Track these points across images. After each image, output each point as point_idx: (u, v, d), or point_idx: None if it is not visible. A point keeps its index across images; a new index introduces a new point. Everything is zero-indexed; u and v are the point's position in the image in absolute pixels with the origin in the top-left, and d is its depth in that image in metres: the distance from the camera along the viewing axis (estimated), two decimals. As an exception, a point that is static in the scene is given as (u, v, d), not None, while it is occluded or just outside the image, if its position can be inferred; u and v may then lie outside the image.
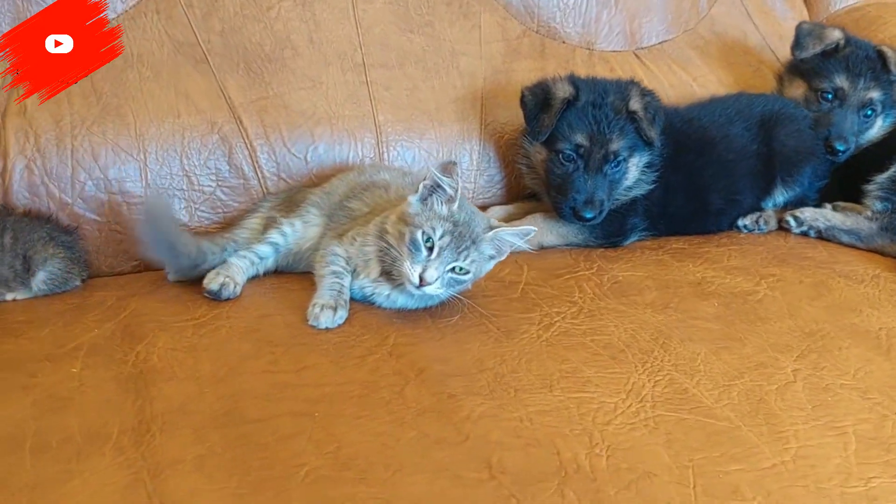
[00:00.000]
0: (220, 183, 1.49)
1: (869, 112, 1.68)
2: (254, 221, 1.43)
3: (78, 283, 1.32)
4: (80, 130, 1.41)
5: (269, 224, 1.40)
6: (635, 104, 1.51)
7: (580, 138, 1.49)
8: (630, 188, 1.55)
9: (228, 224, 1.48)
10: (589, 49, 1.81)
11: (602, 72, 1.74)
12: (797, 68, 1.74)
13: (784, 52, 1.89)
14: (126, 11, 1.50)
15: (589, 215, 1.47)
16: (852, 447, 0.94)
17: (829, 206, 1.63)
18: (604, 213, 1.50)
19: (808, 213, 1.59)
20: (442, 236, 1.14)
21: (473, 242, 1.16)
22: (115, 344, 1.09)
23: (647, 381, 1.04)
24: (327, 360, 1.06)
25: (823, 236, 1.57)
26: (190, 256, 1.29)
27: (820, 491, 0.88)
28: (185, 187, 1.47)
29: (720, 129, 1.65)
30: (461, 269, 1.16)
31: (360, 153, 1.55)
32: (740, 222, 1.63)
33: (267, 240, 1.34)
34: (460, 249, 1.15)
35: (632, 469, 0.88)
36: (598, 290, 1.29)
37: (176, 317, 1.17)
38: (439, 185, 1.15)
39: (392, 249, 1.18)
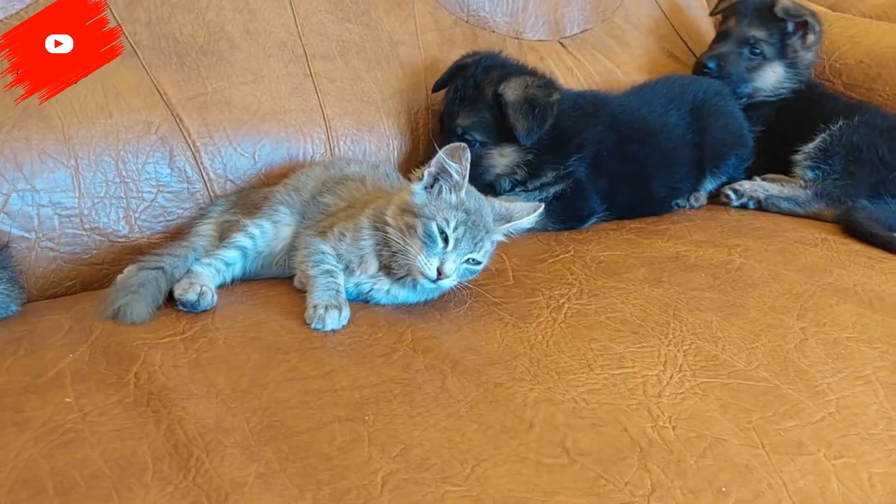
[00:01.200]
0: (161, 188, 1.35)
1: (756, 51, 1.75)
2: (207, 227, 1.30)
3: (16, 308, 1.15)
4: (-1, 136, 1.24)
5: (226, 228, 1.28)
6: (506, 89, 1.46)
7: (443, 107, 1.54)
8: (504, 178, 1.51)
9: (174, 234, 1.35)
10: (518, 38, 1.80)
11: (532, 61, 1.73)
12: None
13: (689, 40, 1.99)
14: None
15: None
16: (882, 393, 0.98)
17: (758, 178, 1.70)
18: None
19: (746, 186, 1.65)
20: (456, 227, 1.08)
21: (487, 232, 1.11)
22: (103, 368, 0.95)
23: (677, 351, 1.04)
24: (350, 361, 0.98)
25: (763, 206, 1.64)
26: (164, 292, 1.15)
27: (872, 437, 0.90)
28: (122, 195, 1.32)
29: (659, 119, 1.66)
30: (475, 260, 1.11)
31: (310, 149, 1.46)
32: (672, 202, 1.68)
33: (233, 244, 1.23)
34: (476, 240, 1.09)
35: (701, 437, 0.87)
36: (587, 270, 1.28)
37: (157, 333, 1.04)
38: (444, 171, 1.10)
39: (395, 242, 1.11)
